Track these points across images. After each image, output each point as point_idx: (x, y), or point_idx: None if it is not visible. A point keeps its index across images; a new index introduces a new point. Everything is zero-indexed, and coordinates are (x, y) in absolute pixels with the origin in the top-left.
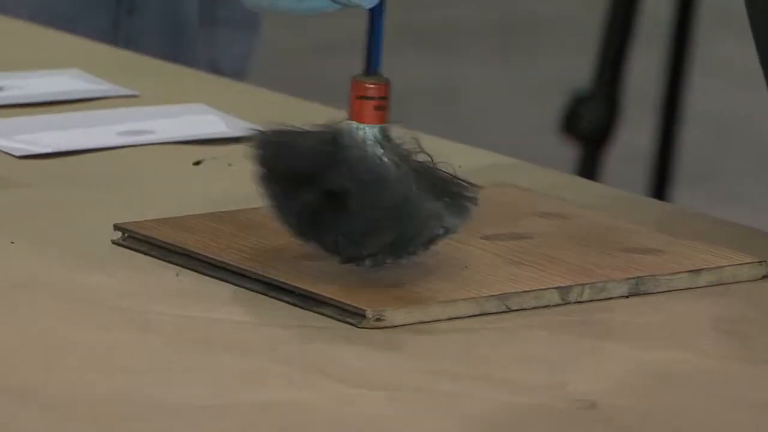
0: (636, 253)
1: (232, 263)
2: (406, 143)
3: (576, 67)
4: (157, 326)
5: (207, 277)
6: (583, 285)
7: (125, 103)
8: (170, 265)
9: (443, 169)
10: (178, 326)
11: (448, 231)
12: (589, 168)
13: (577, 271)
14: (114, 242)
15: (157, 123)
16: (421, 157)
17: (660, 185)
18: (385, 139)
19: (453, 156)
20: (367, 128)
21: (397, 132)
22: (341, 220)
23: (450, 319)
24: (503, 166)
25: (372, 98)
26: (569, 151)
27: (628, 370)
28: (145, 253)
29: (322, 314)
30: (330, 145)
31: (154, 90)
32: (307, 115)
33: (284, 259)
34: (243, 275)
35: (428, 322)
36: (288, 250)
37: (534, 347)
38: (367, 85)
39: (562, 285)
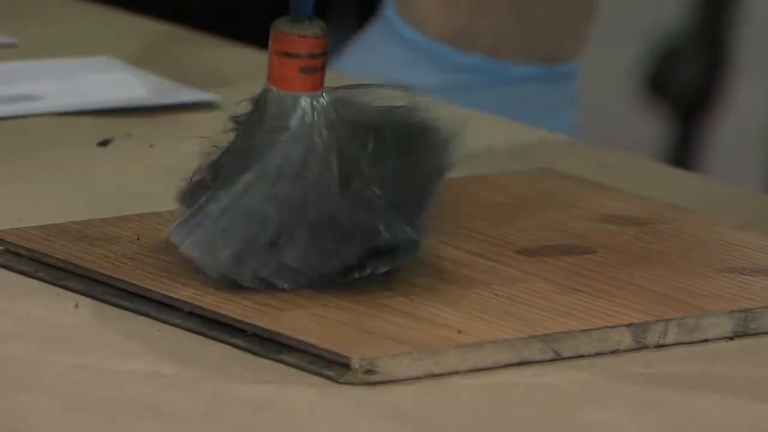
0: (746, 274)
1: (154, 289)
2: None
3: (666, 6)
4: (46, 384)
5: (118, 310)
6: (667, 321)
7: None
8: (66, 293)
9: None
10: (74, 383)
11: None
12: (680, 150)
13: (658, 300)
14: None
15: (45, 85)
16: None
17: None
18: (323, 111)
19: (480, 128)
20: (299, 97)
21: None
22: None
23: (474, 370)
24: (550, 144)
25: (299, 55)
26: (652, 126)
27: None
28: (30, 275)
29: (286, 364)
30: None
31: (39, 37)
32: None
33: (230, 284)
34: (170, 307)
35: (442, 375)
36: None
37: (595, 413)
38: (296, 38)
39: (637, 321)
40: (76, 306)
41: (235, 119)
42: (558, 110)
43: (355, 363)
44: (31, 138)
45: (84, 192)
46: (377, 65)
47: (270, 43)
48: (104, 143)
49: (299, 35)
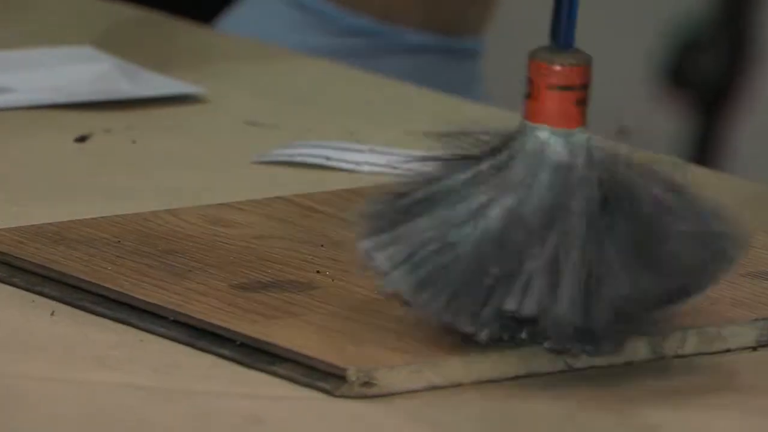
0: None
1: (136, 295)
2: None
3: None
4: (20, 397)
5: (97, 317)
6: (685, 330)
7: None
8: (41, 299)
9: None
10: (50, 396)
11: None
12: (701, 145)
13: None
14: None
15: (18, 76)
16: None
17: None
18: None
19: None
20: (568, 136)
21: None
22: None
23: (479, 382)
24: None
25: (571, 88)
26: (671, 120)
27: None
28: (3, 281)
29: (277, 376)
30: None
31: (11, 25)
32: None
33: (217, 290)
34: (153, 314)
35: (444, 387)
36: (224, 276)
37: (609, 429)
38: (559, 68)
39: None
40: (53, 314)
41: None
42: (459, 89)
43: (352, 375)
44: (2, 133)
45: (60, 192)
46: (263, 25)
47: (530, 74)
48: (82, 139)
49: (568, 65)
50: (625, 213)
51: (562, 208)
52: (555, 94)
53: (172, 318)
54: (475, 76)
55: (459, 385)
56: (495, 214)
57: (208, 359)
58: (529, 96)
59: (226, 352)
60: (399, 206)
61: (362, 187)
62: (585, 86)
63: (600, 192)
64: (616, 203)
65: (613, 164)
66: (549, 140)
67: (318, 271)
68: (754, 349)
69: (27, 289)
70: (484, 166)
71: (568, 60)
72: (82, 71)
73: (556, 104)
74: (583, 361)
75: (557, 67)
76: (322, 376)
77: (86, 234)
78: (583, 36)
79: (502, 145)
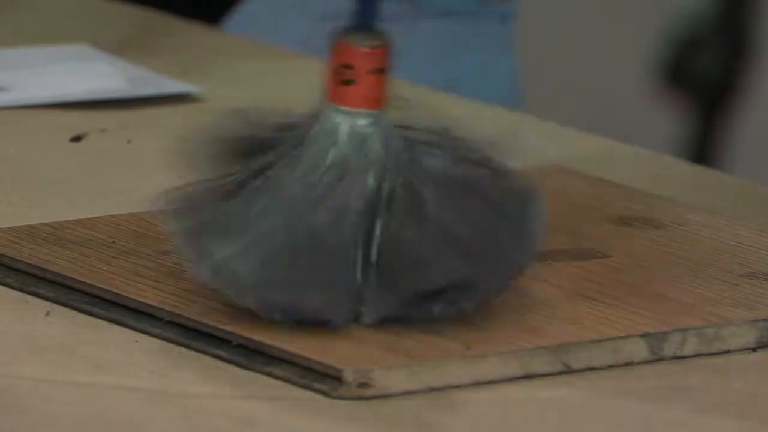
0: None
1: (131, 296)
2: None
3: None
4: (14, 399)
5: (92, 318)
6: (684, 331)
7: None
8: (36, 300)
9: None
10: (45, 398)
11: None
12: (700, 145)
13: (676, 309)
14: None
15: (13, 75)
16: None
17: None
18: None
19: (481, 120)
20: (363, 119)
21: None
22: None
23: (477, 384)
24: (560, 138)
25: (371, 71)
26: (671, 119)
27: None
28: None
29: (274, 377)
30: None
31: (7, 22)
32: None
33: (212, 290)
34: (149, 315)
35: (442, 389)
36: None
37: (608, 430)
38: (361, 48)
39: (652, 331)
40: (47, 314)
41: (278, 130)
42: (494, 52)
43: (349, 376)
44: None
45: (55, 192)
46: None
47: (331, 57)
48: (77, 139)
49: (361, 46)
50: (421, 193)
51: (354, 188)
52: (337, 73)
53: (167, 319)
54: (507, 41)
55: (456, 386)
56: (288, 193)
57: (203, 360)
58: (331, 78)
59: (222, 353)
60: (207, 193)
61: None
62: (384, 69)
63: (394, 172)
64: (410, 184)
65: (411, 145)
66: (348, 122)
67: None
68: (754, 350)
69: (21, 290)
70: (283, 148)
71: (368, 42)
72: (78, 70)
73: (364, 87)
74: (581, 363)
75: (358, 49)
76: (318, 378)
77: (81, 234)
78: (584, 35)
79: (303, 127)
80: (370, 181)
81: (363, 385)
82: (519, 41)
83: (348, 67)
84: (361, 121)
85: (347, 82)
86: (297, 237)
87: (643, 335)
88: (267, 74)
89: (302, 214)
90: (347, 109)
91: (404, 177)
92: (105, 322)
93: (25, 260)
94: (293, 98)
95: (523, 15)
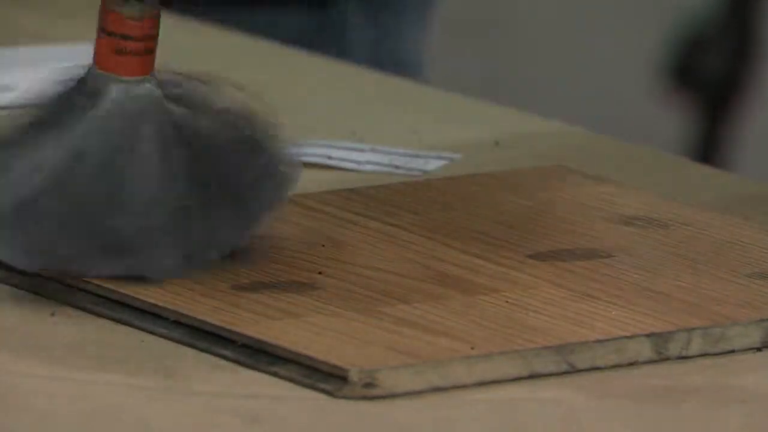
0: None
1: (136, 296)
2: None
3: None
4: (20, 398)
5: (98, 318)
6: (690, 331)
7: None
8: (41, 300)
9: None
10: (51, 397)
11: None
12: (705, 145)
13: (680, 308)
14: None
15: (17, 74)
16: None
17: None
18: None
19: (486, 120)
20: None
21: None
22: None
23: (481, 384)
24: (564, 138)
25: (132, 38)
26: (675, 119)
27: None
28: (3, 281)
29: (278, 376)
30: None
31: (11, 21)
32: None
33: (219, 290)
34: (154, 315)
35: (447, 389)
36: (225, 277)
37: (613, 430)
38: (125, 18)
39: (657, 331)
40: (53, 314)
41: (48, 92)
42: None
43: (354, 376)
44: (2, 132)
45: None
46: None
47: (100, 22)
48: None
49: (126, 15)
50: (185, 152)
51: (120, 150)
52: (115, 42)
53: (172, 319)
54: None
55: (461, 386)
56: (58, 157)
57: (209, 360)
58: (97, 43)
59: (227, 353)
60: None
61: (364, 187)
62: (149, 37)
63: (157, 133)
64: (173, 142)
65: (173, 106)
66: (111, 88)
67: (320, 272)
68: (759, 349)
69: (27, 290)
70: (53, 108)
71: (132, 11)
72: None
73: (100, 48)
74: (586, 363)
75: (119, 16)
76: (323, 377)
77: None
78: (589, 35)
79: (72, 93)
80: (122, 135)
81: (368, 385)
82: (525, 42)
83: (119, 35)
84: (125, 86)
85: (118, 51)
86: (50, 190)
87: (648, 335)
88: (269, 74)
89: (58, 168)
90: (113, 75)
91: (154, 131)
92: (111, 322)
93: None
94: (296, 97)
95: (528, 15)
